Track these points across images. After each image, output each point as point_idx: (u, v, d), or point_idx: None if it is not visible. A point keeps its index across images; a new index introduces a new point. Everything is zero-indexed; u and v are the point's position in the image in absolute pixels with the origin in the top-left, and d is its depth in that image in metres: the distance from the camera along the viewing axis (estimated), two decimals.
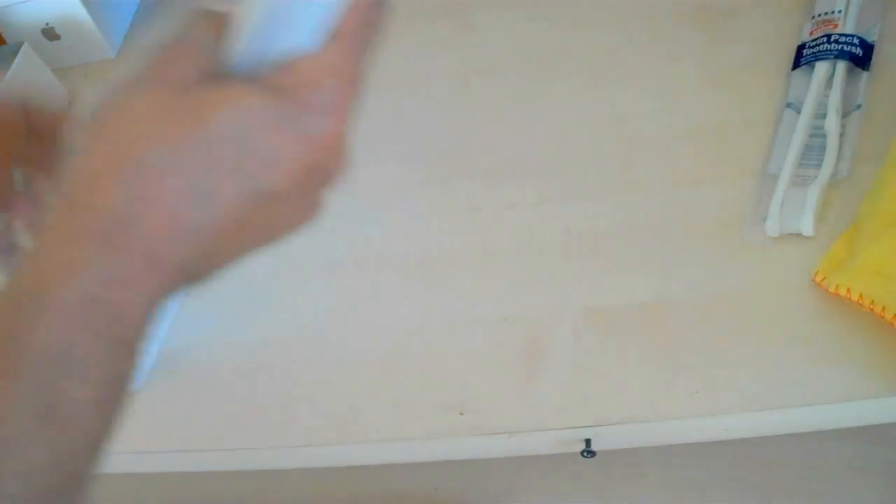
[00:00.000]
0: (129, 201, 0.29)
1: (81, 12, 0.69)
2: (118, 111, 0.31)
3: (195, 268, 0.31)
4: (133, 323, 0.29)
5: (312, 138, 0.32)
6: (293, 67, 0.33)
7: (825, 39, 0.52)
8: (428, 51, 0.65)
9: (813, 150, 0.49)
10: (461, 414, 0.46)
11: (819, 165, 0.48)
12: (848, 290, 0.42)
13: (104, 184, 0.30)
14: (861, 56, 0.51)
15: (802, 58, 0.53)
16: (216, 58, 0.34)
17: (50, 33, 0.70)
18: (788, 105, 0.52)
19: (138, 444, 0.49)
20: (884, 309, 0.41)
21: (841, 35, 0.52)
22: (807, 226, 0.46)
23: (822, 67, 0.52)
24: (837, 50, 0.52)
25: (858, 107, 0.50)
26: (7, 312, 0.28)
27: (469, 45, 0.65)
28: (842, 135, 0.49)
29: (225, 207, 0.30)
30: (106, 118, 0.31)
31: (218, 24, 0.35)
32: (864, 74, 0.51)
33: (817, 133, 0.50)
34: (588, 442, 0.44)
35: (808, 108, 0.51)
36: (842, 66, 0.52)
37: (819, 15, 0.55)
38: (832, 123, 0.49)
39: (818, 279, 0.44)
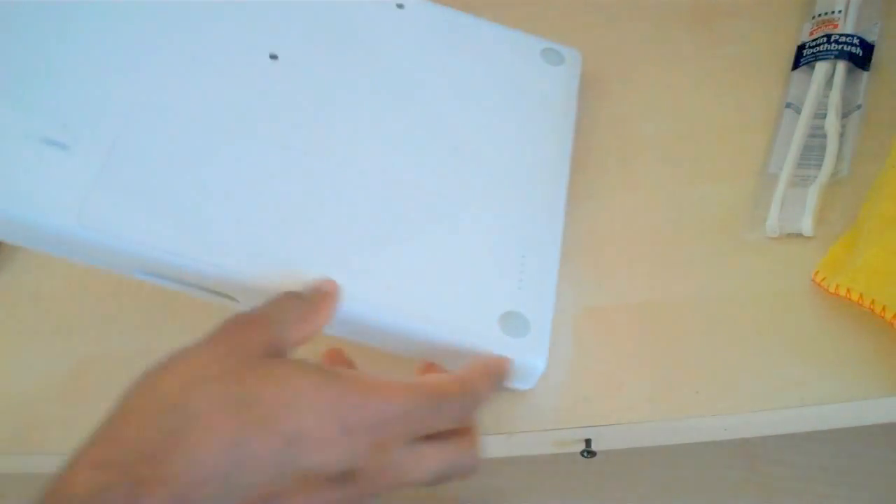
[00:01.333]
0: (160, 436, 0.30)
1: None
2: (172, 362, 0.33)
3: None
4: None
5: (355, 429, 0.33)
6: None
7: (825, 39, 0.52)
8: None
9: (813, 150, 0.49)
10: None
11: (819, 165, 0.48)
12: (848, 290, 0.42)
13: (138, 418, 0.31)
14: (861, 56, 0.51)
15: (802, 58, 0.53)
16: (286, 338, 0.35)
17: None
18: (788, 105, 0.52)
19: None
20: (884, 309, 0.41)
21: (841, 35, 0.52)
22: (807, 226, 0.46)
23: (822, 67, 0.52)
24: (837, 50, 0.52)
25: (858, 107, 0.50)
26: None
27: None
28: (842, 135, 0.49)
29: (257, 470, 0.31)
30: (158, 368, 0.32)
31: (299, 306, 0.37)
32: (864, 74, 0.51)
33: (817, 133, 0.50)
34: (588, 442, 0.44)
35: (808, 108, 0.51)
36: (842, 66, 0.52)
37: (819, 15, 0.55)
38: (832, 123, 0.49)
39: (818, 279, 0.44)
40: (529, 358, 0.43)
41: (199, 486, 0.30)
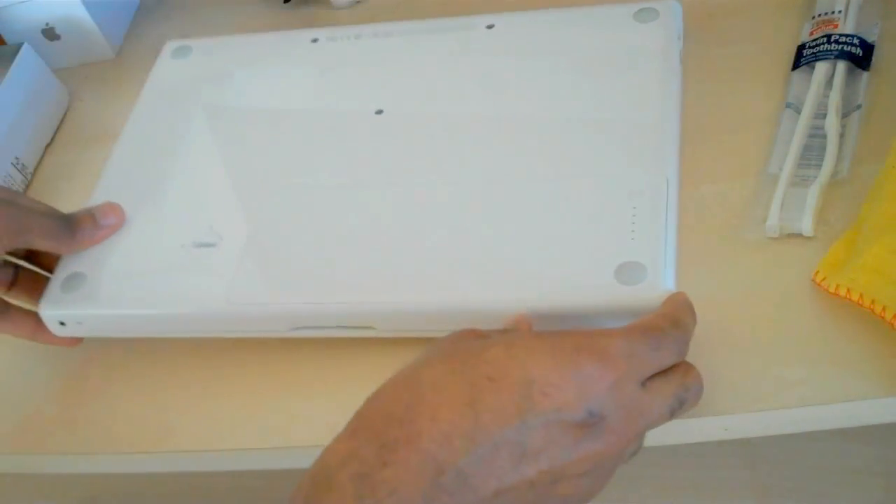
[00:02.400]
0: (400, 405, 0.34)
1: (81, 12, 0.69)
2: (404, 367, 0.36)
3: (476, 481, 0.32)
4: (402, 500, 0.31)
5: (584, 372, 0.34)
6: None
7: (825, 39, 0.53)
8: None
9: (813, 150, 0.49)
10: None
11: (819, 165, 0.48)
12: (848, 290, 0.42)
13: (380, 397, 0.35)
14: (861, 56, 0.51)
15: (802, 58, 0.53)
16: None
17: (50, 33, 0.70)
18: (788, 105, 0.52)
19: (137, 445, 0.49)
20: (884, 309, 0.41)
21: (841, 35, 0.52)
22: (807, 226, 0.46)
23: (822, 67, 0.52)
24: (837, 50, 0.52)
25: (858, 107, 0.50)
26: (307, 487, 0.33)
27: None
28: (842, 135, 0.49)
29: (498, 424, 0.33)
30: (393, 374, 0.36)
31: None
32: (864, 74, 0.51)
33: (817, 133, 0.50)
34: None
35: (808, 108, 0.51)
36: (842, 66, 0.52)
37: (819, 15, 0.55)
38: (832, 123, 0.49)
39: (818, 279, 0.44)
40: (648, 301, 0.42)
41: (445, 443, 0.32)
